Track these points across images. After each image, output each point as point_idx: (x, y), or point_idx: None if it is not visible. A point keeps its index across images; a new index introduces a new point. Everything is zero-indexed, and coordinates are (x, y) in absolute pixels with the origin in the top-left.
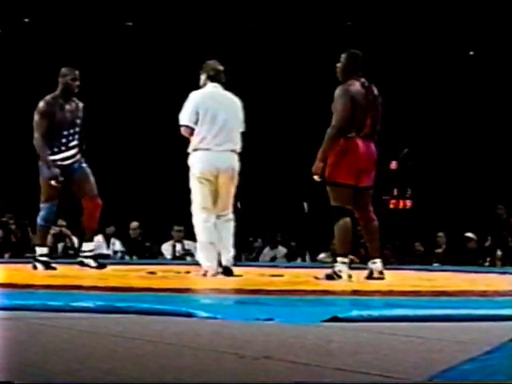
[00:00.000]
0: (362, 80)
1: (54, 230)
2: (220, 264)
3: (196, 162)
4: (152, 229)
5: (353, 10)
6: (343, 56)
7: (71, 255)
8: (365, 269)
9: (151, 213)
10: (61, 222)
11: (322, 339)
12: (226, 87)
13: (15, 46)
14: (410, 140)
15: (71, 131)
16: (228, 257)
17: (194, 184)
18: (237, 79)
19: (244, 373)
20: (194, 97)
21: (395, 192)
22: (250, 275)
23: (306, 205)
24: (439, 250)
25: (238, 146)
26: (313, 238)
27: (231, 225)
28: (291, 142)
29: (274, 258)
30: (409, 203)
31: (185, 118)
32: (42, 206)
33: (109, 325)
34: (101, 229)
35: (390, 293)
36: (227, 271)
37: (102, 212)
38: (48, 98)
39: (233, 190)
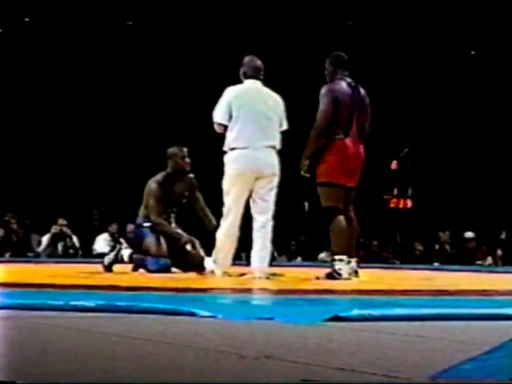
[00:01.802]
0: (348, 80)
1: (54, 229)
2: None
3: (232, 161)
4: None
5: (354, 10)
6: (327, 59)
7: (71, 254)
8: (361, 268)
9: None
10: (61, 221)
11: (323, 339)
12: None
13: (15, 45)
14: (409, 140)
15: (174, 209)
16: (262, 266)
17: (229, 184)
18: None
19: (245, 372)
20: (228, 93)
21: (395, 192)
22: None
23: (306, 205)
24: (446, 247)
25: (277, 144)
26: (313, 238)
27: (268, 231)
28: (291, 142)
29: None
30: (409, 203)
31: (217, 114)
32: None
33: (109, 324)
34: (104, 228)
35: (391, 292)
36: (259, 276)
37: (104, 212)
38: (160, 178)
39: (273, 192)
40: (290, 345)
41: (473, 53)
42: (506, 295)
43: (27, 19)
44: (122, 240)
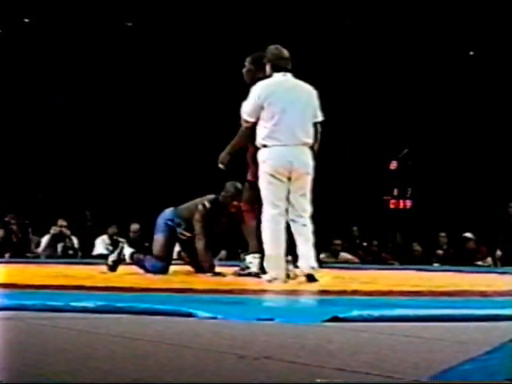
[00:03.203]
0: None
1: (53, 230)
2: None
3: (266, 159)
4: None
5: (353, 10)
6: (248, 59)
7: (71, 255)
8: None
9: (151, 213)
10: (61, 222)
11: (323, 339)
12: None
13: (15, 46)
14: (409, 140)
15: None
16: (309, 263)
17: (265, 183)
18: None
19: (244, 373)
20: (258, 88)
21: (395, 192)
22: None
23: None
24: (440, 252)
25: (311, 139)
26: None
27: (309, 230)
28: None
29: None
30: (409, 203)
31: (246, 111)
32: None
33: (109, 325)
34: (99, 229)
35: (390, 293)
36: (311, 278)
37: (105, 213)
38: (208, 204)
39: (308, 190)
40: (289, 345)
41: (471, 53)
42: (505, 296)
43: (27, 20)
44: (121, 239)
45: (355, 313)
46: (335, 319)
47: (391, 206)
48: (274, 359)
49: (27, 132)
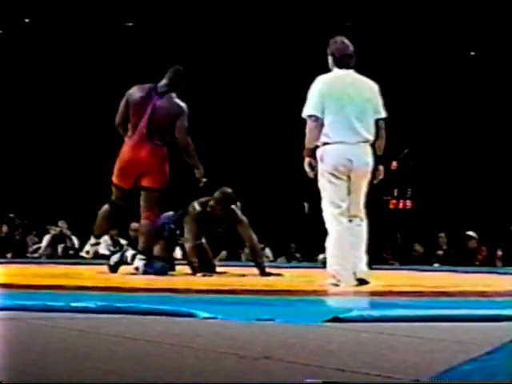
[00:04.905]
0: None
1: (54, 230)
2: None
3: (326, 157)
4: None
5: (352, 11)
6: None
7: (71, 255)
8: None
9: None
10: (61, 223)
11: (323, 339)
12: None
13: (15, 46)
14: (410, 140)
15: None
16: (361, 267)
17: (325, 182)
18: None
19: (244, 373)
20: (318, 83)
21: (395, 192)
22: (250, 275)
23: (306, 205)
24: (440, 252)
25: (372, 136)
26: (313, 238)
27: (364, 230)
28: (291, 141)
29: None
30: (409, 203)
31: (309, 107)
32: None
33: (109, 325)
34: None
35: (391, 293)
36: (362, 282)
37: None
38: (198, 207)
39: (365, 189)
40: (289, 345)
41: (472, 54)
42: (506, 296)
43: (27, 20)
44: (124, 241)
45: (355, 313)
46: (335, 319)
47: (391, 206)
48: (274, 359)
49: (27, 132)
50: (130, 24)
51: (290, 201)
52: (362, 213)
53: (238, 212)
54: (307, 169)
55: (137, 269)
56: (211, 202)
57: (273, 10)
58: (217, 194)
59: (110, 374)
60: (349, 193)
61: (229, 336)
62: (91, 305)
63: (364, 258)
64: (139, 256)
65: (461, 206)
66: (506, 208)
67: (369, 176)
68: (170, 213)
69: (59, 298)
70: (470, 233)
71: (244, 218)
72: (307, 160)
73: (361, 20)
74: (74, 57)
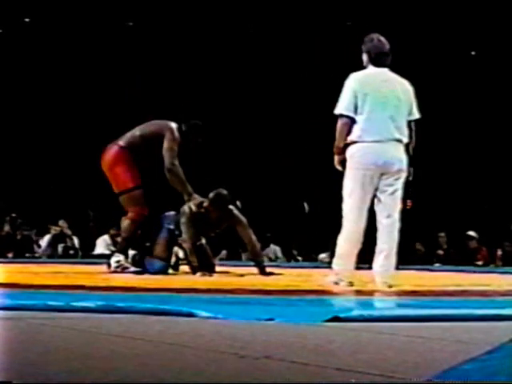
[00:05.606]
0: None
1: (54, 230)
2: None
3: (356, 155)
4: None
5: (353, 10)
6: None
7: (71, 255)
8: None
9: (151, 213)
10: (61, 223)
11: (323, 339)
12: None
13: (15, 45)
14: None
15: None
16: (387, 275)
17: (352, 180)
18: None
19: (245, 373)
20: (351, 81)
21: None
22: (250, 275)
23: (306, 205)
24: (440, 252)
25: (405, 137)
26: (313, 238)
27: (395, 230)
28: (291, 142)
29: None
30: (409, 203)
31: (341, 105)
32: None
33: (110, 325)
34: (101, 229)
35: (391, 293)
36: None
37: (106, 213)
38: (193, 208)
39: (399, 191)
40: (289, 345)
41: (473, 53)
42: (506, 296)
43: (27, 20)
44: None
45: (355, 312)
46: (336, 319)
47: None
48: (274, 359)
49: (27, 132)
50: (131, 24)
51: (290, 201)
52: (396, 213)
53: (236, 212)
54: (338, 167)
55: (109, 265)
56: (205, 203)
57: (273, 10)
58: (211, 196)
59: (109, 373)
60: (380, 194)
61: (229, 336)
62: (91, 304)
63: (392, 264)
64: (116, 254)
65: (461, 205)
66: (506, 208)
67: (403, 175)
68: (172, 213)
69: (59, 297)
70: (471, 233)
71: (243, 218)
72: (337, 158)
73: (361, 19)
74: (74, 56)
